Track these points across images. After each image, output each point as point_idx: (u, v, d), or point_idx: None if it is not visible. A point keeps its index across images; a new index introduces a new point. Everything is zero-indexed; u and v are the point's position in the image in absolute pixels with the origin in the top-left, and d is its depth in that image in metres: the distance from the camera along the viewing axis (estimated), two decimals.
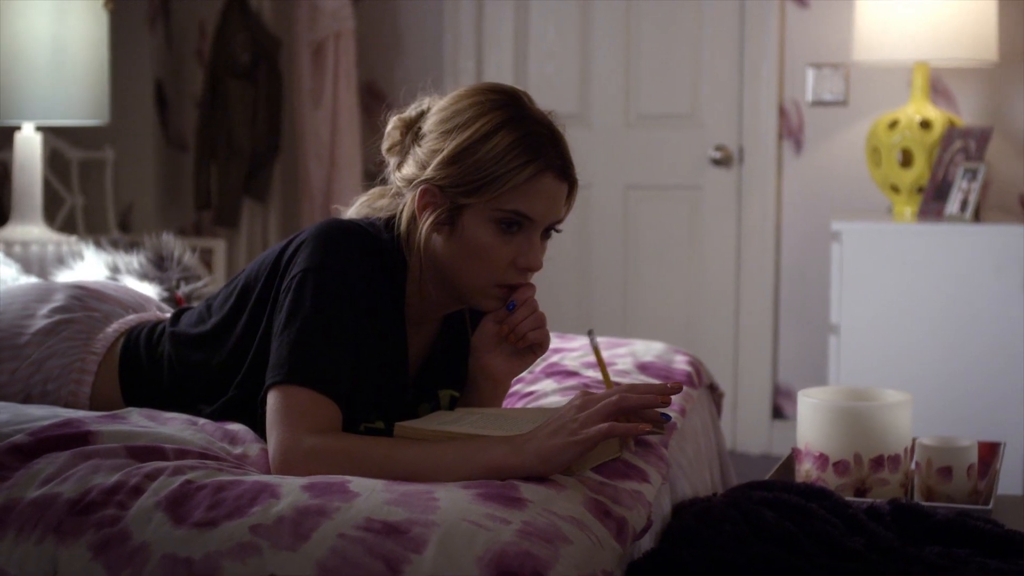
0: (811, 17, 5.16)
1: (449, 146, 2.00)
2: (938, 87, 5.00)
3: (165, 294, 2.99)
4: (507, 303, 2.05)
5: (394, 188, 2.13)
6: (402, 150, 2.11)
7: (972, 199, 4.37)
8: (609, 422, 1.80)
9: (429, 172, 2.01)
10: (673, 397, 2.41)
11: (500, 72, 5.43)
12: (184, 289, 3.03)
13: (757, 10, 5.18)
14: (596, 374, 2.44)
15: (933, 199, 4.59)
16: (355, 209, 2.21)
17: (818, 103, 5.19)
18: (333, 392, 1.91)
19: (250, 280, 2.13)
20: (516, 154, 1.97)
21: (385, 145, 2.15)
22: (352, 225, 2.06)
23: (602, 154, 5.38)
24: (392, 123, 2.14)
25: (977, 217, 4.43)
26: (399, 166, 2.11)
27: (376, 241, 2.06)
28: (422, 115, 2.11)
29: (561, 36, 5.42)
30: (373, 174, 5.43)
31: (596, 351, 2.04)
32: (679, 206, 5.36)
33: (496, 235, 1.99)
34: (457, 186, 1.99)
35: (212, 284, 3.18)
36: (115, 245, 3.46)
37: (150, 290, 2.98)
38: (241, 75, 5.28)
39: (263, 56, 5.32)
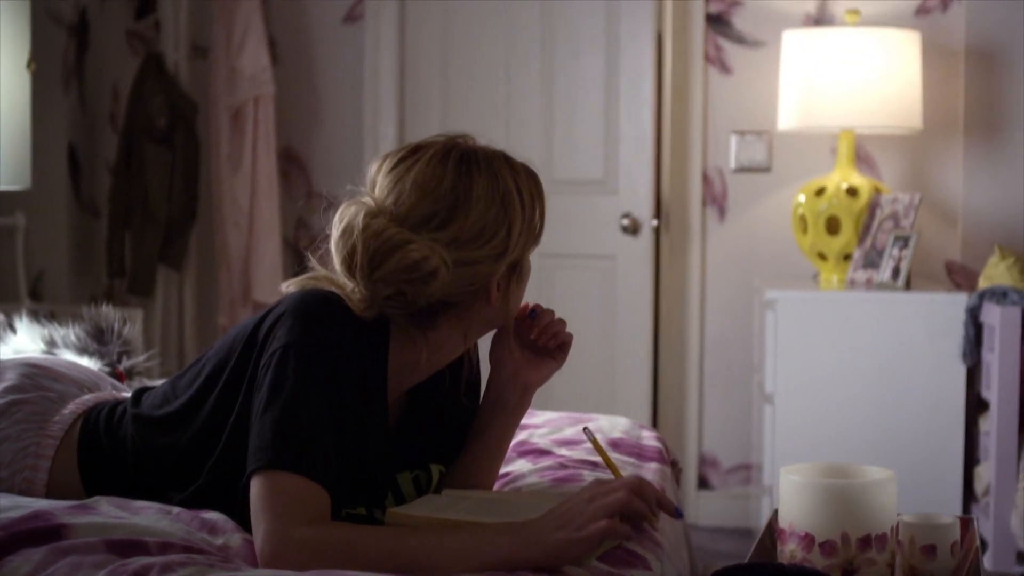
0: (734, 84, 5.17)
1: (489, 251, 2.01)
2: (860, 153, 5.02)
3: (106, 369, 2.86)
4: (528, 312, 2.13)
5: None
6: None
7: (904, 267, 4.38)
8: (610, 519, 1.76)
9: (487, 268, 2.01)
10: (651, 475, 2.36)
11: (421, 138, 5.36)
12: (125, 364, 2.90)
13: (680, 76, 5.18)
14: (569, 452, 2.37)
15: (862, 267, 4.60)
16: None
17: (741, 170, 5.19)
18: (322, 477, 1.80)
19: (221, 357, 2.01)
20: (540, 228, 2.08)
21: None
22: (332, 297, 1.96)
23: None
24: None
25: (907, 285, 4.44)
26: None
27: (355, 313, 1.97)
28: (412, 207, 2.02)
29: (482, 103, 5.37)
30: (291, 242, 5.35)
31: (596, 446, 2.01)
32: (595, 275, 5.31)
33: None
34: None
35: (154, 359, 3.05)
36: (35, 316, 3.32)
37: (89, 365, 2.85)
38: (157, 139, 5.16)
39: (180, 120, 5.21)
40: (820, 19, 5.09)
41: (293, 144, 5.50)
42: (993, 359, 4.02)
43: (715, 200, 5.22)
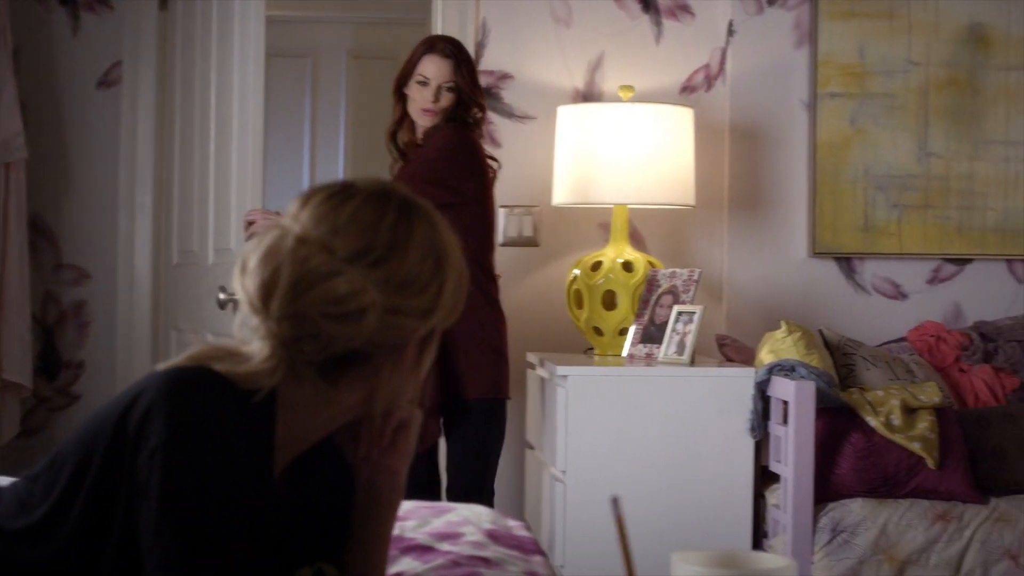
0: (503, 157, 5.11)
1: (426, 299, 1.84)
2: (628, 228, 5.05)
3: None
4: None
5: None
6: None
7: (689, 342, 4.41)
8: None
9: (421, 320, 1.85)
10: (540, 568, 2.27)
11: (181, 205, 5.14)
12: None
13: None
14: (454, 547, 2.25)
15: (641, 341, 4.62)
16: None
17: (509, 243, 5.16)
18: None
19: (81, 456, 1.77)
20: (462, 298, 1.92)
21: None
22: (202, 373, 1.77)
23: None
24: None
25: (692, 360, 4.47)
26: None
27: (234, 389, 1.77)
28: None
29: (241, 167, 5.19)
30: (39, 318, 5.03)
31: (621, 525, 1.77)
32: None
33: None
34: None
35: None
36: None
37: None
38: None
39: None
40: (588, 95, 5.13)
41: (41, 213, 5.20)
42: (786, 433, 4.08)
43: None
